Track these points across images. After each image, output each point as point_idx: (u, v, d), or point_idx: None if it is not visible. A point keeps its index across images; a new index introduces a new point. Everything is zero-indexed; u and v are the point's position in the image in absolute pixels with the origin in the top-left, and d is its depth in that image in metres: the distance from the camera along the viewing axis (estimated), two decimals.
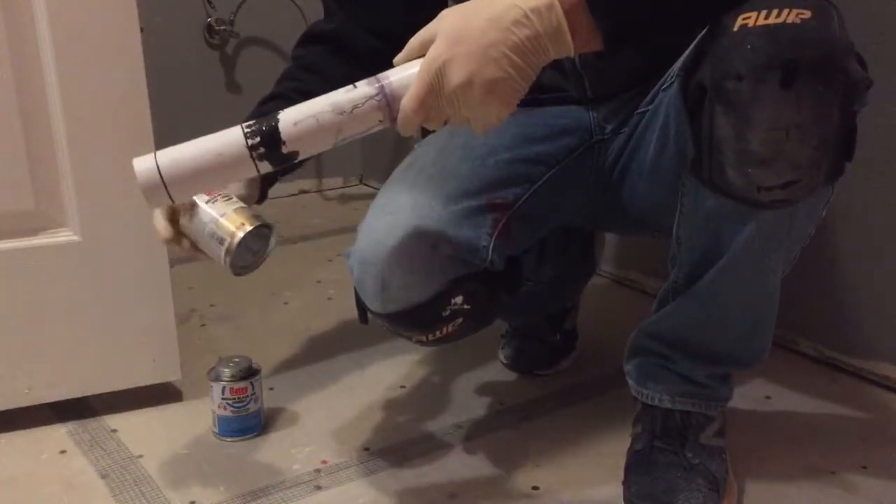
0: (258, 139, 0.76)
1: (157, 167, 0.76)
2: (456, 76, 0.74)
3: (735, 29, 0.77)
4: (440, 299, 0.97)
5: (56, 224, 1.13)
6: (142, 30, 1.10)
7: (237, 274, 0.91)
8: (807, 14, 0.75)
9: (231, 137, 0.77)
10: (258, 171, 0.78)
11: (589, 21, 0.75)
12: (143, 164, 0.76)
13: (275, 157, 0.77)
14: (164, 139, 1.17)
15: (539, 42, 0.75)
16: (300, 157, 0.79)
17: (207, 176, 0.78)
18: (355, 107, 0.76)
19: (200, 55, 2.23)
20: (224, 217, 0.88)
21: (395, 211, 0.96)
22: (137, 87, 1.10)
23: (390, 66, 0.80)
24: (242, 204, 0.91)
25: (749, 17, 0.76)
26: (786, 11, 0.75)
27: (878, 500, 1.03)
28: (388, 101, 0.77)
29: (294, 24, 2.25)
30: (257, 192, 1.01)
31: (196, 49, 2.22)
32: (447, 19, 0.76)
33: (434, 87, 0.75)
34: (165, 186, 0.76)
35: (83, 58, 1.07)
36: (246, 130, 0.77)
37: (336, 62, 1.04)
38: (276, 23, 2.28)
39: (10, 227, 1.10)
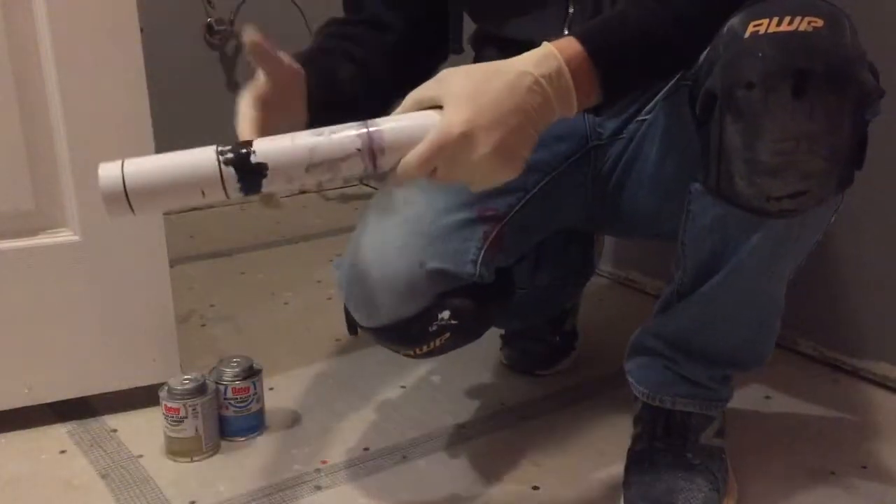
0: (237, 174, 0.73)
1: (123, 176, 0.73)
2: (480, 149, 0.72)
3: (746, 36, 0.75)
4: (427, 315, 0.94)
5: (56, 224, 1.13)
6: (142, 30, 1.09)
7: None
8: (819, 22, 0.74)
9: (204, 160, 0.74)
10: (227, 195, 0.75)
11: (592, 77, 0.76)
12: (108, 171, 0.74)
13: (252, 188, 0.74)
14: (164, 139, 1.17)
15: (549, 107, 0.75)
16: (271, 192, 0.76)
17: (172, 196, 0.75)
18: (340, 159, 0.73)
19: (200, 55, 2.22)
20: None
21: (384, 227, 0.95)
22: (137, 87, 1.10)
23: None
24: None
25: (760, 24, 0.75)
26: (798, 19, 0.74)
27: (878, 500, 1.03)
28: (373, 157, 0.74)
29: (294, 24, 2.25)
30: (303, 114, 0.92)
31: (196, 49, 2.21)
32: (455, 84, 0.74)
33: (445, 154, 0.72)
34: (127, 197, 0.73)
35: (83, 58, 1.07)
36: (221, 158, 0.73)
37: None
38: (276, 23, 2.25)
39: (10, 227, 1.10)
